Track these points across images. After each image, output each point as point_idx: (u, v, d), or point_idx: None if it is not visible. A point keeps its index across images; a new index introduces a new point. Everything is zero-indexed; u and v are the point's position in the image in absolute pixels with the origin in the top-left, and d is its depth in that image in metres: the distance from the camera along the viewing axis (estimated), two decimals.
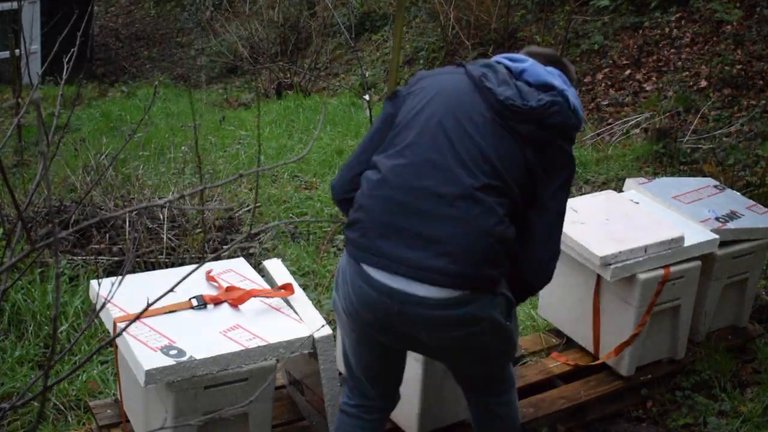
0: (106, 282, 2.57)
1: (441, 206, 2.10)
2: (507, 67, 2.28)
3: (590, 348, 3.35)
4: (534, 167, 2.17)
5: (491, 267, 2.12)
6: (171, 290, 1.46)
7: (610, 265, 3.02)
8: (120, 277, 1.52)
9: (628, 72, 7.70)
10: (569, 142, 2.23)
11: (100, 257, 4.14)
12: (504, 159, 2.13)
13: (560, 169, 2.22)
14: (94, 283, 2.66)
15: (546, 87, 2.22)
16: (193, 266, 2.94)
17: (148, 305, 1.44)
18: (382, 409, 2.48)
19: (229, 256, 3.74)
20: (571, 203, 3.42)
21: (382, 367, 2.42)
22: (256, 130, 7.38)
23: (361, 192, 2.22)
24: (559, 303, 3.44)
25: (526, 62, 2.28)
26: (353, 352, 2.39)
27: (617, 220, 3.26)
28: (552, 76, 2.25)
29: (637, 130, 6.53)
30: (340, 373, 2.95)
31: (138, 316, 1.46)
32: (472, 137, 2.14)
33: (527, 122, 2.15)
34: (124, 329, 1.49)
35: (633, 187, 3.63)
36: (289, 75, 10.00)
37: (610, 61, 7.93)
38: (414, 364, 2.69)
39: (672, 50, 7.68)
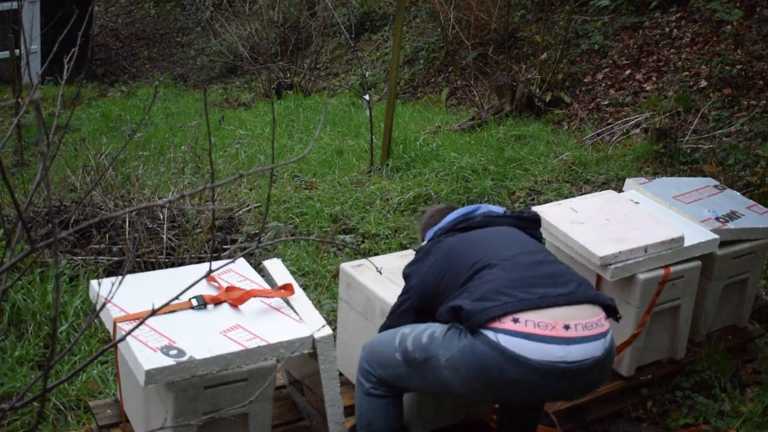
0: (106, 282, 2.57)
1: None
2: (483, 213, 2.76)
3: None
4: None
5: None
6: (176, 297, 1.46)
7: (610, 265, 3.01)
8: (120, 277, 1.52)
9: (628, 72, 7.70)
10: None
11: (100, 257, 4.14)
12: None
13: None
14: (94, 283, 2.66)
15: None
16: (195, 266, 2.95)
17: (153, 311, 1.44)
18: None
19: (229, 256, 3.74)
20: (571, 203, 3.42)
21: None
22: (257, 129, 7.39)
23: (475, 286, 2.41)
24: None
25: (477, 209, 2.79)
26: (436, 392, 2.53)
27: (617, 220, 3.26)
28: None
29: (637, 130, 6.53)
30: (340, 374, 2.95)
31: (142, 321, 1.46)
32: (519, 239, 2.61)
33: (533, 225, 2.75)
34: (129, 333, 1.48)
35: (633, 187, 3.63)
36: (289, 75, 10.00)
37: (610, 61, 7.93)
38: None
39: (672, 50, 7.68)
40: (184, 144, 5.52)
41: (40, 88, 9.65)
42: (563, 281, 2.36)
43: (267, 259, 3.09)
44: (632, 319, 3.14)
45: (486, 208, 2.81)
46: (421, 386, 2.50)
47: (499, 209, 2.80)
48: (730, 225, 3.43)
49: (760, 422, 3.12)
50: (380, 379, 2.52)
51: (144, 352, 2.25)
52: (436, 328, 2.43)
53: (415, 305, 2.60)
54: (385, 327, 2.65)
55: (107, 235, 4.33)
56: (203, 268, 2.74)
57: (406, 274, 2.68)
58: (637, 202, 3.43)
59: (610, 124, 6.92)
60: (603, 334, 2.30)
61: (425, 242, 2.81)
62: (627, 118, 6.84)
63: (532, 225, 2.74)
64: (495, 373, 2.25)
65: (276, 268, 2.82)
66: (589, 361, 2.25)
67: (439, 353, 2.35)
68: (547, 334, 2.22)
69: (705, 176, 4.97)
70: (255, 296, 2.57)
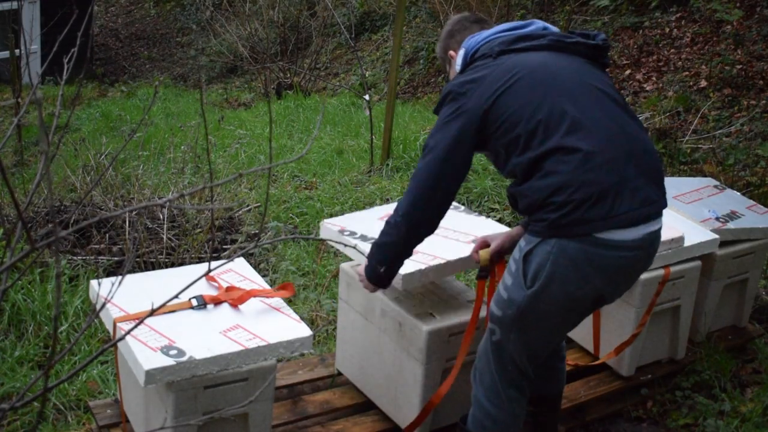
0: (106, 282, 2.57)
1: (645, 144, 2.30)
2: (540, 29, 2.44)
3: (590, 348, 3.35)
4: None
5: None
6: (176, 296, 1.46)
7: None
8: (120, 277, 1.52)
9: (628, 72, 7.70)
10: None
11: (100, 257, 4.14)
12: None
13: None
14: (94, 283, 2.66)
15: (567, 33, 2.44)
16: (195, 266, 2.95)
17: (153, 311, 1.44)
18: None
19: (228, 256, 3.74)
20: None
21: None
22: (257, 129, 7.39)
23: (569, 173, 2.16)
24: None
25: (530, 24, 2.45)
26: (550, 335, 2.42)
27: None
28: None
29: None
30: (340, 373, 2.94)
31: (141, 321, 1.46)
32: (602, 88, 2.30)
33: (605, 55, 2.42)
34: (128, 333, 1.48)
35: None
36: (289, 75, 10.00)
37: (610, 61, 7.93)
38: (414, 364, 2.69)
39: (672, 50, 7.68)
40: (184, 144, 5.53)
41: (40, 87, 9.65)
42: (656, 180, 2.27)
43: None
44: (632, 319, 3.14)
45: (541, 24, 2.45)
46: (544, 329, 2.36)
47: (555, 30, 2.44)
48: (730, 225, 3.43)
49: (760, 422, 3.12)
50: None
51: (144, 352, 2.25)
52: (502, 284, 2.33)
53: (468, 138, 2.24)
54: (421, 175, 2.28)
55: (107, 235, 4.33)
56: (203, 268, 2.74)
57: (446, 92, 2.29)
58: None
59: None
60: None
61: (460, 58, 2.46)
62: None
63: (602, 55, 2.39)
64: (596, 260, 2.18)
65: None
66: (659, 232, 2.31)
67: (525, 289, 2.25)
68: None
69: (705, 176, 4.97)
70: (255, 296, 2.57)
